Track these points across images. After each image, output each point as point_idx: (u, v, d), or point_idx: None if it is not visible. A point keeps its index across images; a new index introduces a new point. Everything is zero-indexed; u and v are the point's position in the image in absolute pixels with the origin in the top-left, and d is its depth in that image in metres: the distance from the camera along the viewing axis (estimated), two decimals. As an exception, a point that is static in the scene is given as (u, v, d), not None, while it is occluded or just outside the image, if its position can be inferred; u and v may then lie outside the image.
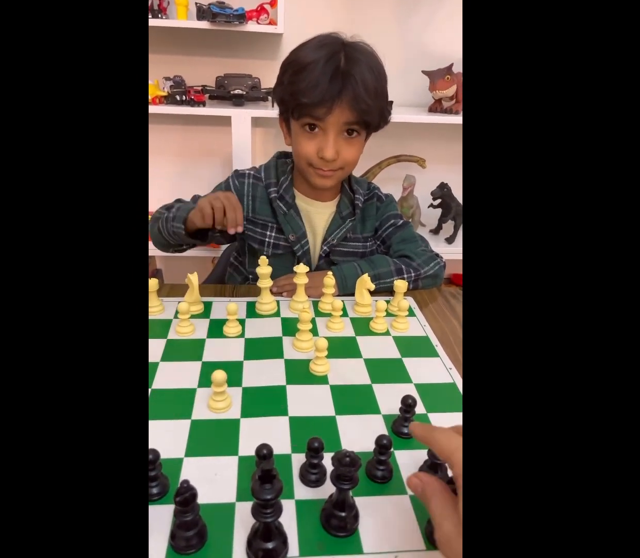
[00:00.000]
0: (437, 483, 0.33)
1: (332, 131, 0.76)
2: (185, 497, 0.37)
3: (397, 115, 1.57)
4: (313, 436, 0.45)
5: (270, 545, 0.38)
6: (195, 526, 0.39)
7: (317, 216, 0.91)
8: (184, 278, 0.74)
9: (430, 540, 0.41)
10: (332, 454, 0.47)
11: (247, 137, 1.51)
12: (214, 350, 0.66)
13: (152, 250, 1.58)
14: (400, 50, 1.65)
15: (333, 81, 0.72)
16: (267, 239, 0.90)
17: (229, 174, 0.94)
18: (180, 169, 1.76)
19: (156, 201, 1.77)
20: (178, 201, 0.94)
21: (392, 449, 0.47)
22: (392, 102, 1.55)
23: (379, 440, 0.46)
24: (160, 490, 0.44)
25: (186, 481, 0.38)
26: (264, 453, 0.43)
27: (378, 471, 0.46)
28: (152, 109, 1.47)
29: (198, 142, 1.72)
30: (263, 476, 0.36)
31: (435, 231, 1.73)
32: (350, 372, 0.63)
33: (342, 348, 0.67)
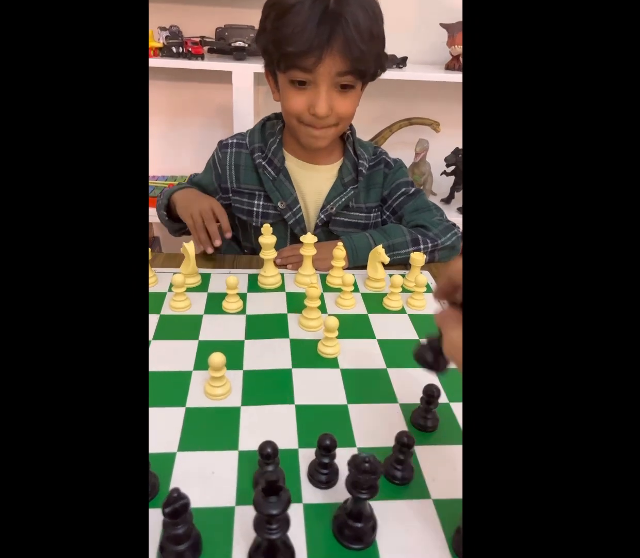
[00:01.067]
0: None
1: (323, 83, 0.67)
2: (176, 508, 0.32)
3: (411, 73, 1.45)
4: (324, 433, 0.39)
5: (274, 563, 0.33)
6: (187, 539, 0.33)
7: (314, 180, 0.82)
8: (179, 247, 0.67)
9: (457, 552, 0.36)
10: (344, 450, 0.41)
11: (249, 95, 1.39)
12: (212, 328, 0.59)
13: (151, 217, 1.51)
14: (416, 3, 1.51)
15: (321, 25, 0.62)
16: (255, 209, 0.82)
17: (225, 139, 0.86)
18: (175, 130, 1.65)
19: (152, 165, 1.67)
20: (190, 180, 0.89)
21: (413, 449, 0.41)
22: (405, 58, 1.44)
23: (400, 438, 0.40)
24: (148, 490, 0.38)
25: (177, 490, 0.32)
26: (268, 452, 0.37)
27: (397, 472, 0.41)
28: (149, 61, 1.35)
29: (195, 100, 1.60)
30: (268, 489, 0.30)
31: (447, 200, 1.64)
32: (362, 355, 0.56)
33: (353, 327, 0.61)
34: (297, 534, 0.36)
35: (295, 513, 0.38)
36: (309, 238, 0.67)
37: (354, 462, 0.34)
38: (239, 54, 1.42)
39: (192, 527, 0.34)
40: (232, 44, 1.41)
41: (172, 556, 0.33)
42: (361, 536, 0.36)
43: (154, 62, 1.36)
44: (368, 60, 0.66)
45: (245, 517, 0.37)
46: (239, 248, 0.91)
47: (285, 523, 0.32)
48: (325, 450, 0.39)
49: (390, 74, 1.37)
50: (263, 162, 0.79)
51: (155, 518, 0.36)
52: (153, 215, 1.47)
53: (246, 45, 1.42)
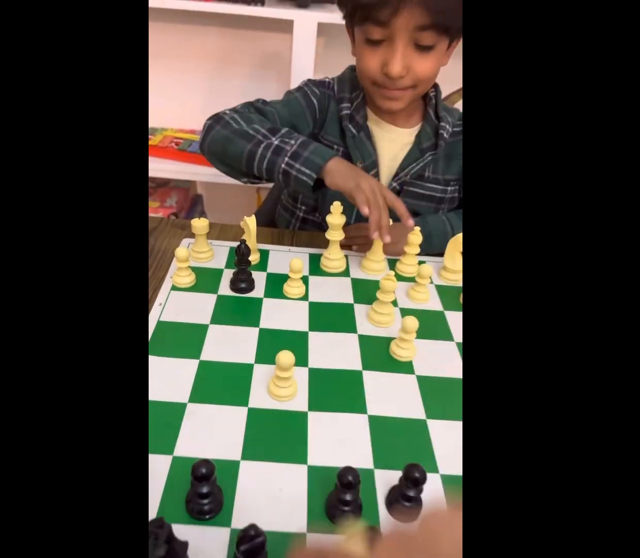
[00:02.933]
0: None
1: (400, 39, 0.59)
2: (254, 546, 0.28)
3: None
4: (410, 463, 0.34)
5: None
6: (261, 576, 0.30)
7: (390, 143, 0.73)
8: (224, 206, 0.62)
9: None
10: (430, 476, 0.36)
11: (311, 47, 1.28)
12: (273, 314, 0.54)
13: (193, 174, 1.45)
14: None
15: None
16: None
17: (284, 92, 0.76)
18: (228, 81, 1.55)
19: (198, 116, 1.58)
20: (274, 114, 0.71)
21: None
22: None
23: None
24: (213, 507, 0.34)
25: (253, 526, 0.28)
26: (349, 480, 0.32)
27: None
28: (202, 5, 1.25)
29: (252, 50, 1.49)
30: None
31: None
32: (440, 360, 0.51)
33: (428, 325, 0.54)
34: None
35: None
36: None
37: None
38: (302, 1, 1.29)
39: (266, 561, 0.30)
40: (296, -12, 1.28)
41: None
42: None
43: (209, 6, 1.25)
44: (454, 11, 0.56)
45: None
46: (293, 213, 0.83)
47: None
48: (414, 482, 0.34)
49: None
50: (348, 115, 0.71)
51: (220, 537, 0.33)
52: (190, 172, 1.42)
53: (311, -10, 1.29)
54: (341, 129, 0.72)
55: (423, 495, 0.35)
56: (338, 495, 0.34)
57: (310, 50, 1.28)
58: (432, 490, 0.37)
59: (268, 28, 1.42)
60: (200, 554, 0.32)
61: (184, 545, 0.28)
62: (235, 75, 1.54)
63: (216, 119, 0.67)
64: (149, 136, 1.45)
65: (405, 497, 0.35)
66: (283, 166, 0.60)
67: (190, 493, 0.34)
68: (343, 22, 0.69)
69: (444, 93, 1.39)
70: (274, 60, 1.50)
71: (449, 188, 0.76)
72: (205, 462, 0.33)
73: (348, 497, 0.34)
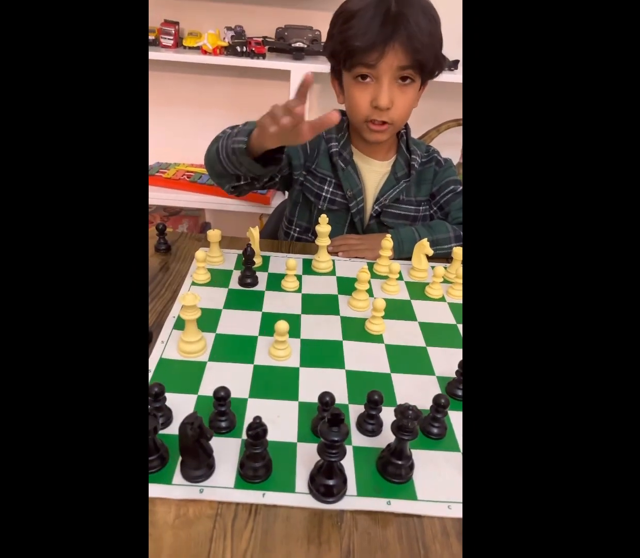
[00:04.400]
0: None
1: (385, 77, 0.74)
2: (257, 432, 0.40)
3: (458, 76, 1.50)
4: (373, 389, 0.47)
5: (331, 482, 0.41)
6: (263, 459, 0.42)
7: (372, 174, 0.89)
8: (231, 233, 0.77)
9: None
10: (388, 408, 0.49)
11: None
12: (273, 302, 0.68)
13: (202, 203, 1.62)
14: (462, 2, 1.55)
15: (384, 25, 0.70)
16: (323, 194, 0.89)
17: None
18: (234, 122, 1.74)
19: (203, 153, 1.78)
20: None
21: (447, 409, 0.48)
22: (457, 61, 1.48)
23: (437, 399, 0.47)
24: (229, 424, 0.47)
25: (259, 418, 0.41)
26: (326, 400, 0.45)
27: (433, 428, 0.48)
28: (212, 59, 1.45)
29: (255, 96, 1.70)
30: (332, 420, 0.38)
31: (488, 202, 1.68)
32: (405, 334, 0.64)
33: (397, 310, 0.68)
34: (348, 468, 0.44)
35: (347, 453, 0.45)
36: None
37: (399, 409, 0.41)
38: (298, 54, 1.50)
39: (267, 452, 0.42)
40: (292, 44, 1.49)
41: (250, 471, 0.42)
42: (401, 472, 0.43)
43: (219, 60, 1.45)
44: (427, 52, 0.73)
45: (305, 451, 0.45)
46: (286, 224, 0.97)
47: (342, 451, 0.40)
48: (374, 403, 0.47)
49: (442, 77, 1.42)
50: (337, 152, 0.86)
51: (233, 444, 0.45)
52: (200, 201, 1.59)
53: (305, 45, 1.50)
54: (332, 164, 0.87)
55: (381, 415, 0.48)
56: (320, 414, 0.47)
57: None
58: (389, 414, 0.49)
59: (269, 77, 1.63)
60: (220, 453, 0.44)
61: (210, 432, 0.41)
62: (241, 117, 1.74)
63: (214, 140, 0.82)
64: (164, 170, 1.63)
65: (368, 415, 0.47)
66: (232, 145, 0.71)
67: (212, 414, 0.47)
68: None
69: (423, 131, 1.58)
70: (274, 104, 1.70)
71: (421, 208, 0.92)
72: (223, 388, 0.46)
73: (326, 413, 0.46)
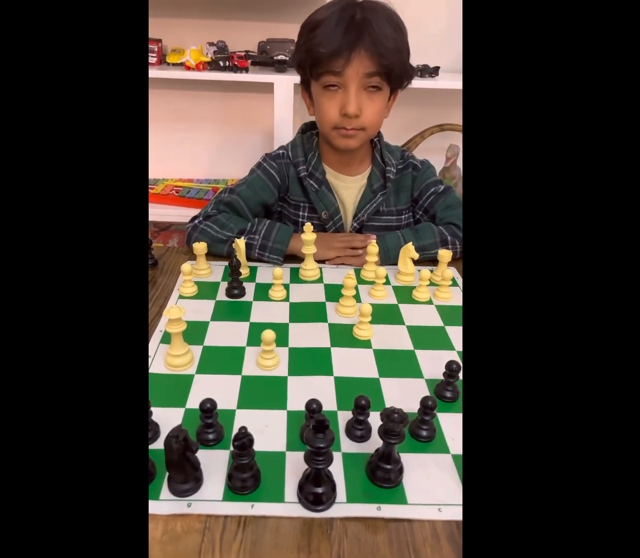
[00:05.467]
0: None
1: (352, 84, 0.74)
2: (243, 442, 0.40)
3: (441, 82, 1.52)
4: (360, 395, 0.47)
5: (320, 490, 0.41)
6: (250, 469, 0.42)
7: (347, 190, 0.89)
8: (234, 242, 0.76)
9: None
10: (376, 413, 0.49)
11: (289, 104, 1.49)
12: (261, 312, 0.68)
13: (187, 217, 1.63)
14: (443, 10, 1.57)
15: (349, 31, 0.70)
16: (300, 220, 0.89)
17: (268, 142, 0.93)
18: (220, 136, 1.77)
19: (195, 167, 1.78)
20: (243, 199, 0.85)
21: (435, 411, 0.48)
22: (438, 67, 1.50)
23: (424, 401, 0.47)
24: (216, 436, 0.47)
25: (244, 428, 0.41)
26: (313, 407, 0.45)
27: (422, 431, 0.48)
28: (196, 74, 1.47)
29: (240, 109, 1.72)
30: (317, 426, 0.38)
31: (477, 204, 1.69)
32: (393, 338, 0.64)
33: (385, 315, 0.68)
34: (337, 475, 0.44)
35: (335, 459, 0.45)
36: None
37: (385, 413, 0.41)
38: (280, 67, 1.52)
39: (254, 462, 0.42)
40: (274, 57, 1.52)
41: (238, 482, 0.42)
42: (390, 477, 0.43)
43: (203, 75, 1.47)
44: (393, 61, 0.73)
45: (294, 460, 0.45)
46: None
47: (329, 457, 0.39)
48: (361, 408, 0.47)
49: (423, 83, 1.44)
50: (306, 175, 0.86)
51: (221, 456, 0.45)
52: (189, 215, 1.59)
53: (287, 58, 1.52)
54: (303, 188, 0.86)
55: (370, 420, 0.48)
56: (308, 421, 0.46)
57: (289, 106, 1.49)
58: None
59: (253, 90, 1.65)
60: (208, 465, 0.44)
61: (196, 444, 0.41)
62: (227, 130, 1.76)
63: (193, 228, 0.83)
64: (152, 186, 1.64)
65: (357, 421, 0.47)
66: (256, 255, 0.79)
67: (199, 427, 0.47)
68: None
69: (407, 137, 1.60)
70: (259, 117, 1.72)
71: (403, 216, 0.92)
72: (209, 399, 0.45)
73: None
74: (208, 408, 0.45)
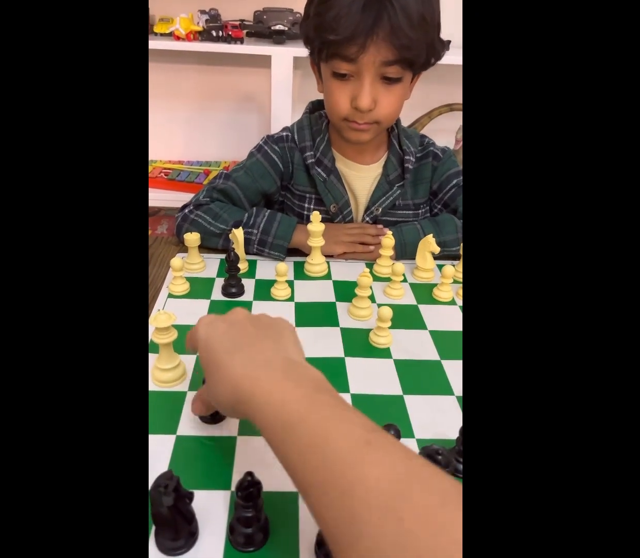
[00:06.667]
0: None
1: (367, 74, 0.62)
2: (250, 492, 0.32)
3: (450, 57, 1.40)
4: (389, 423, 0.39)
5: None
6: (257, 521, 0.34)
7: (362, 181, 0.78)
8: (231, 233, 0.67)
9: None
10: (404, 441, 0.41)
11: (288, 80, 1.38)
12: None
13: (182, 202, 1.52)
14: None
15: (366, 10, 0.57)
16: (305, 212, 0.79)
17: (265, 121, 0.83)
18: (213, 114, 1.65)
19: (185, 148, 1.66)
20: (240, 186, 0.75)
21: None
22: (449, 41, 1.39)
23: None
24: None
25: (251, 474, 0.32)
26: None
27: (460, 465, 0.40)
28: (186, 45, 1.35)
29: (234, 85, 1.60)
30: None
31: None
32: (415, 345, 0.56)
33: (403, 317, 0.60)
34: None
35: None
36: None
37: (425, 452, 0.33)
38: (278, 38, 1.40)
39: (262, 513, 0.34)
40: (272, 27, 1.40)
41: (241, 538, 0.34)
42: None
43: (193, 46, 1.36)
44: (417, 48, 0.61)
45: (309, 503, 0.37)
46: None
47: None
48: (390, 440, 0.39)
49: (432, 59, 1.34)
50: (314, 163, 0.75)
51: (220, 499, 0.37)
52: (179, 199, 1.49)
53: (285, 28, 1.40)
54: (310, 177, 0.76)
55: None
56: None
57: (288, 82, 1.38)
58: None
59: (248, 64, 1.53)
60: (204, 511, 0.36)
61: (190, 494, 0.33)
62: (219, 109, 1.64)
63: (183, 218, 0.73)
64: (140, 167, 1.53)
65: (383, 455, 0.39)
66: (255, 251, 0.70)
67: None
68: None
69: (413, 118, 1.50)
70: (255, 93, 1.60)
71: (420, 211, 0.81)
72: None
73: None
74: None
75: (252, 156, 0.77)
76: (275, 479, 0.39)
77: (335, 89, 0.66)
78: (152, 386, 0.48)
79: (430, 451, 0.33)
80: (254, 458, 0.41)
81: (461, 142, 1.43)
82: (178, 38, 1.37)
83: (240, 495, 0.32)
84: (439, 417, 0.46)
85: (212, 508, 0.36)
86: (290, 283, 0.66)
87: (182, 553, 0.33)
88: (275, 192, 0.79)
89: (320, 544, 0.34)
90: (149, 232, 1.55)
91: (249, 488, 0.32)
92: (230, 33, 1.35)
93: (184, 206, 0.76)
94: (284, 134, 0.78)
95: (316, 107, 0.80)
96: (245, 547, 0.34)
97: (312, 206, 0.78)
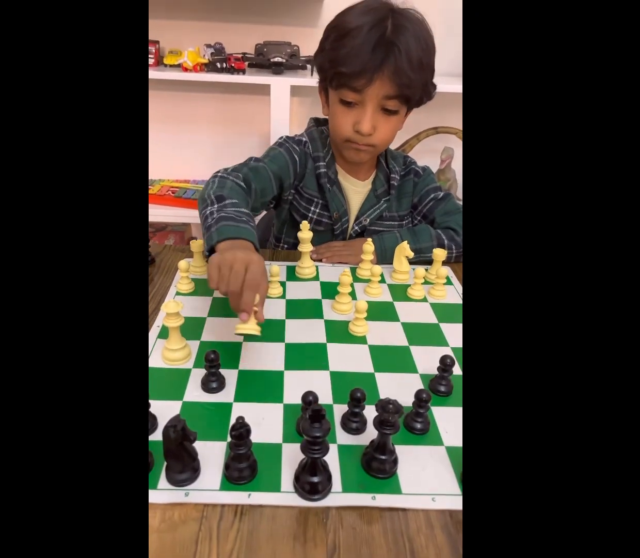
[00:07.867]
0: None
1: (370, 104, 0.73)
2: (241, 432, 0.41)
3: (439, 85, 1.53)
4: (356, 387, 0.47)
5: (316, 479, 0.41)
6: (247, 459, 0.42)
7: (357, 195, 0.89)
8: None
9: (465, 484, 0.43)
10: (372, 406, 0.49)
11: (286, 106, 1.50)
12: (257, 309, 0.68)
13: (188, 217, 1.63)
14: (438, 13, 1.59)
15: (376, 50, 0.68)
16: (310, 215, 0.88)
17: (265, 144, 0.93)
18: (217, 137, 1.77)
19: (191, 168, 1.79)
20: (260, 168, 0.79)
21: (429, 404, 0.49)
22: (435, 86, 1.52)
23: (419, 394, 0.48)
24: (218, 385, 0.51)
25: (242, 418, 0.41)
26: (310, 399, 0.45)
27: (417, 424, 0.49)
28: (193, 76, 1.48)
29: (236, 111, 1.73)
30: (313, 416, 0.39)
31: (471, 206, 1.70)
32: (388, 334, 0.65)
33: (380, 312, 0.69)
34: (333, 466, 0.44)
35: (331, 451, 0.46)
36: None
37: (380, 404, 0.42)
38: (277, 69, 1.53)
39: (251, 452, 0.43)
40: (271, 59, 1.53)
41: (234, 472, 0.42)
42: (385, 467, 0.44)
43: (200, 76, 1.48)
44: (415, 87, 0.73)
45: (290, 451, 0.46)
46: (274, 241, 0.99)
47: (325, 447, 0.40)
48: (357, 401, 0.47)
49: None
50: (324, 172, 0.85)
51: (218, 447, 0.46)
52: (185, 216, 1.60)
53: (284, 60, 1.53)
54: (319, 184, 0.86)
55: (365, 413, 0.48)
56: (304, 414, 0.47)
57: (285, 108, 1.51)
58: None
59: (249, 92, 1.66)
60: (206, 456, 0.44)
61: (194, 434, 0.41)
62: (223, 132, 1.77)
63: (213, 176, 0.76)
64: (149, 186, 1.64)
65: (352, 413, 0.48)
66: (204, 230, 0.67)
67: (204, 376, 0.51)
68: (312, 84, 0.83)
69: (402, 139, 1.61)
70: (255, 118, 1.73)
71: (404, 222, 0.92)
72: (213, 351, 0.46)
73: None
74: (212, 358, 0.50)
75: (274, 149, 0.85)
76: (262, 434, 0.47)
77: (340, 113, 0.77)
78: (163, 364, 0.57)
79: (383, 403, 0.42)
80: (247, 419, 0.49)
81: (446, 161, 1.54)
82: (186, 69, 1.50)
83: (233, 435, 0.41)
84: (403, 389, 0.54)
85: (211, 454, 0.45)
86: (283, 284, 0.75)
87: (187, 485, 0.42)
88: (289, 188, 0.86)
89: (298, 478, 0.42)
90: (156, 242, 1.66)
91: (240, 429, 0.41)
92: (233, 65, 1.48)
93: (217, 172, 0.78)
94: (303, 138, 0.88)
95: (321, 123, 0.91)
96: (237, 480, 0.42)
97: (318, 210, 0.88)
